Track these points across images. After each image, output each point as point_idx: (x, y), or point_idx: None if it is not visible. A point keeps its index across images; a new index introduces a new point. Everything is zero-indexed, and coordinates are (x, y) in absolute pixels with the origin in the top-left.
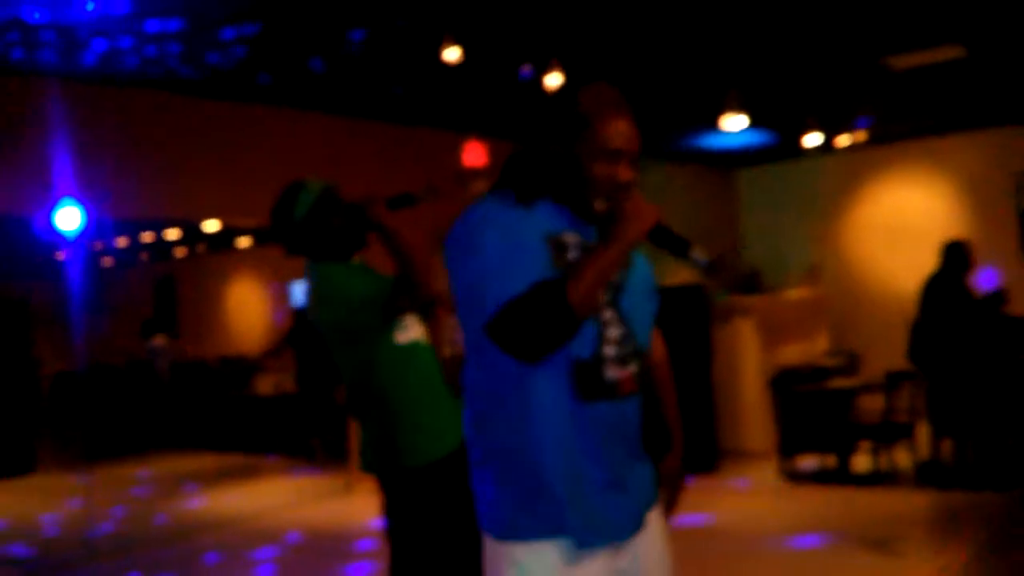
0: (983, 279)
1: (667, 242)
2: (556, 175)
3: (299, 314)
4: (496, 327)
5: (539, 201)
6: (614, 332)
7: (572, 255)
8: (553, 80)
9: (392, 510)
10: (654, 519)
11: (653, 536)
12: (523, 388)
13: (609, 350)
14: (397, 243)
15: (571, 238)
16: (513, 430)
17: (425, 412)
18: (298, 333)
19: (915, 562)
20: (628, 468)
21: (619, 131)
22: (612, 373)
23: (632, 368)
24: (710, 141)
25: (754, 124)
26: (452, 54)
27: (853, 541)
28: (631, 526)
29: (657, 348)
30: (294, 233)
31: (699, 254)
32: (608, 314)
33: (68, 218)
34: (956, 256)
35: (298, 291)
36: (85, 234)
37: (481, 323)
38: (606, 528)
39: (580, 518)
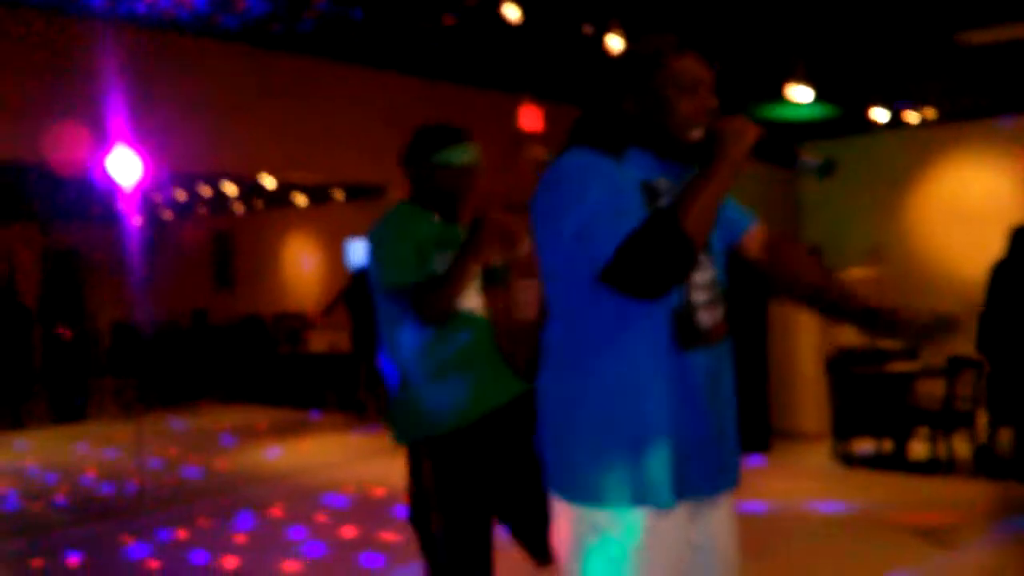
0: None
1: (773, 154)
2: (639, 124)
3: (356, 274)
4: (613, 269)
5: (628, 151)
6: (702, 276)
7: (665, 201)
8: (614, 42)
9: (414, 477)
10: (726, 501)
11: (727, 514)
12: (617, 343)
13: (699, 295)
14: (467, 256)
15: (664, 184)
16: (608, 389)
17: (450, 384)
18: (354, 293)
19: (969, 553)
20: (726, 418)
21: (693, 63)
22: (706, 319)
23: (721, 311)
24: (774, 112)
25: (820, 97)
26: (513, 13)
27: (906, 528)
28: (725, 480)
29: (762, 233)
30: (418, 167)
31: (810, 158)
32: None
33: (125, 168)
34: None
35: (355, 250)
36: (142, 185)
37: (592, 271)
38: (696, 485)
39: (676, 478)
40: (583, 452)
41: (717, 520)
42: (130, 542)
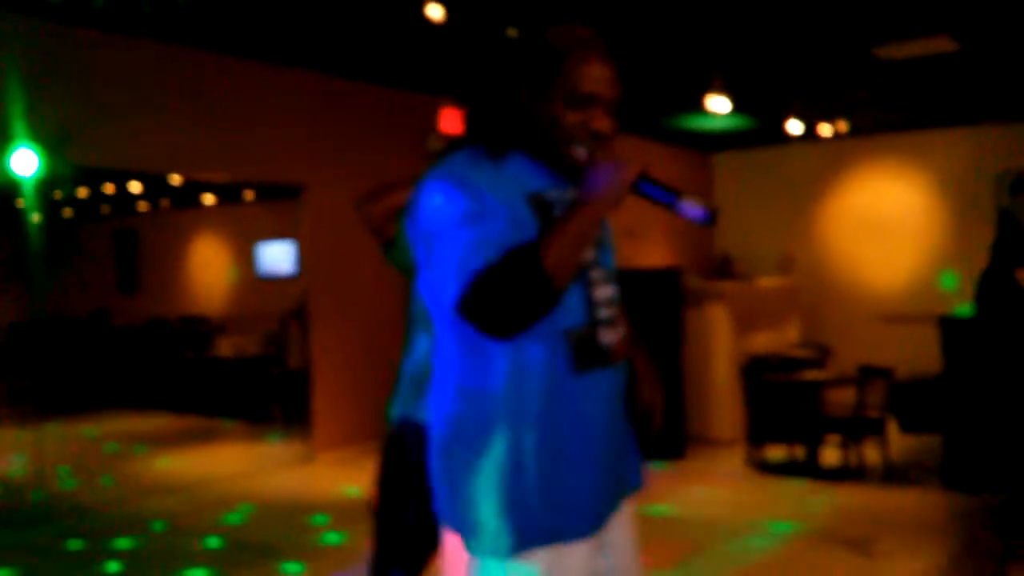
0: None
1: (654, 193)
2: (528, 125)
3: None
4: (467, 303)
5: (513, 156)
6: (603, 292)
7: (558, 213)
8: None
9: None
10: (627, 506)
11: (626, 522)
12: (506, 367)
13: (601, 313)
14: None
15: (555, 195)
16: (495, 419)
17: None
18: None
19: (886, 562)
20: (622, 440)
21: (593, 75)
22: (606, 337)
23: (623, 329)
24: (689, 122)
25: (737, 108)
26: (435, 12)
27: (821, 535)
28: (624, 495)
29: None
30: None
31: (692, 204)
32: (595, 273)
33: (23, 162)
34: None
35: (266, 253)
36: (42, 181)
37: (452, 299)
38: (596, 517)
39: (575, 514)
40: (466, 488)
41: (621, 545)
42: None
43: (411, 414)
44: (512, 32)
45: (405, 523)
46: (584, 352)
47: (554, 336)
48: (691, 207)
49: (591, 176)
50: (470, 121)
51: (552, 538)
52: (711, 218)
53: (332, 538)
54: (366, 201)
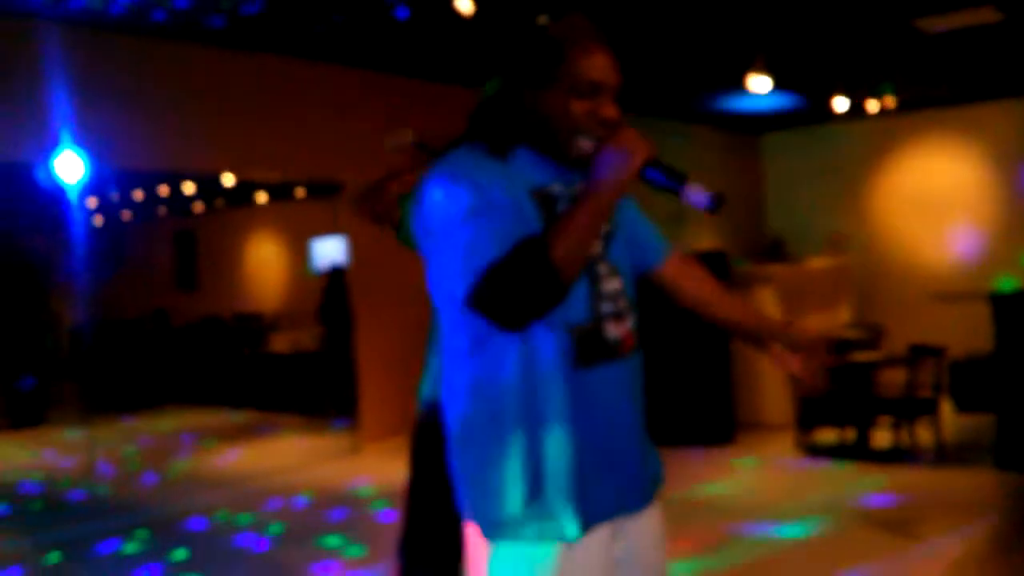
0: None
1: (660, 180)
2: (532, 119)
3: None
4: (477, 295)
5: (517, 151)
6: (609, 286)
7: (562, 208)
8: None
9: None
10: (650, 511)
11: (651, 524)
12: (513, 360)
13: (606, 306)
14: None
15: (559, 190)
16: (504, 413)
17: None
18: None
19: (936, 544)
20: (637, 432)
21: (597, 63)
22: (612, 331)
23: (630, 323)
24: (735, 104)
25: (780, 87)
26: (465, 6)
27: (871, 518)
28: (637, 501)
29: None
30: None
31: (697, 191)
32: (602, 267)
33: (69, 167)
34: None
35: (319, 249)
36: (90, 185)
37: (461, 293)
38: (611, 508)
39: (586, 504)
40: (484, 482)
41: (638, 533)
42: (81, 549)
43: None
44: (543, 20)
45: (435, 505)
46: (588, 346)
47: (560, 329)
48: (696, 193)
49: (598, 165)
50: (472, 117)
51: (564, 531)
52: (716, 204)
53: (388, 520)
54: (363, 201)
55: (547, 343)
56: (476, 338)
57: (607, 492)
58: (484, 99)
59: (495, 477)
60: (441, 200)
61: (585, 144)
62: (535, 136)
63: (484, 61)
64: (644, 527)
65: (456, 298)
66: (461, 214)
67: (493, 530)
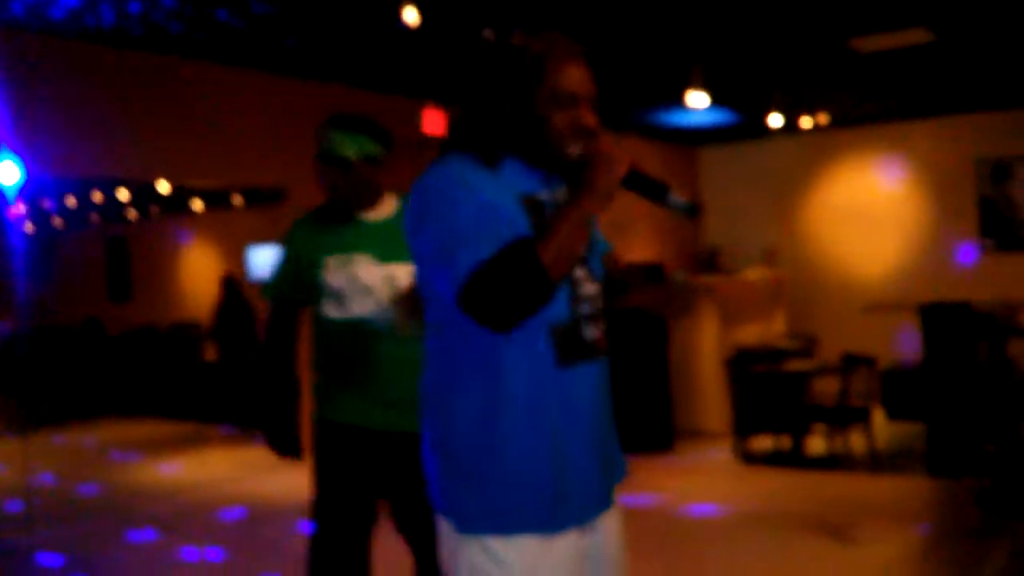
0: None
1: (643, 187)
2: (516, 131)
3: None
4: (466, 296)
5: (503, 160)
6: (587, 289)
7: (550, 214)
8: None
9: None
10: (613, 496)
11: (613, 512)
12: (495, 360)
13: (585, 308)
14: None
15: (546, 196)
16: (485, 409)
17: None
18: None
19: (868, 549)
20: (607, 433)
21: (575, 75)
22: (590, 332)
23: (603, 325)
24: (673, 118)
25: (717, 102)
26: (411, 16)
27: (806, 524)
28: (607, 498)
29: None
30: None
31: (678, 197)
32: (579, 271)
33: (5, 172)
34: None
35: (255, 257)
36: (25, 190)
37: (451, 294)
38: (586, 505)
39: (562, 501)
40: (462, 477)
41: (606, 529)
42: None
43: None
44: (488, 34)
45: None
46: (568, 346)
47: (541, 330)
48: (678, 201)
49: (586, 172)
50: (456, 128)
51: (542, 524)
52: (696, 211)
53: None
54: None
55: (529, 341)
56: (461, 334)
57: (584, 487)
58: (465, 112)
59: (473, 471)
60: (431, 202)
61: (572, 150)
62: (520, 145)
63: (457, 75)
64: (610, 523)
65: (444, 298)
66: (452, 216)
67: (468, 524)
